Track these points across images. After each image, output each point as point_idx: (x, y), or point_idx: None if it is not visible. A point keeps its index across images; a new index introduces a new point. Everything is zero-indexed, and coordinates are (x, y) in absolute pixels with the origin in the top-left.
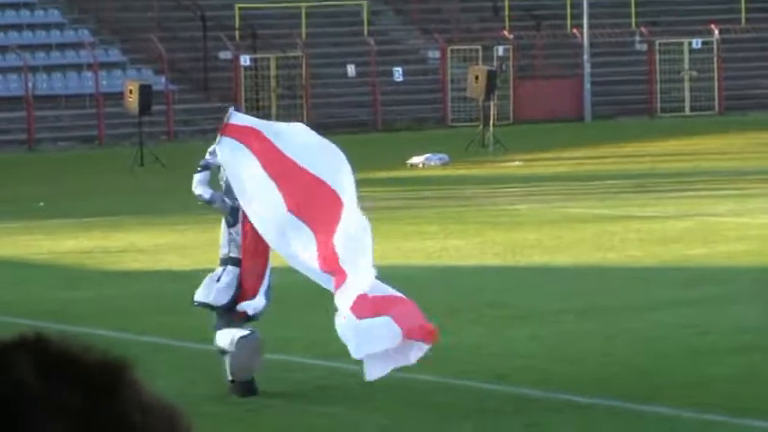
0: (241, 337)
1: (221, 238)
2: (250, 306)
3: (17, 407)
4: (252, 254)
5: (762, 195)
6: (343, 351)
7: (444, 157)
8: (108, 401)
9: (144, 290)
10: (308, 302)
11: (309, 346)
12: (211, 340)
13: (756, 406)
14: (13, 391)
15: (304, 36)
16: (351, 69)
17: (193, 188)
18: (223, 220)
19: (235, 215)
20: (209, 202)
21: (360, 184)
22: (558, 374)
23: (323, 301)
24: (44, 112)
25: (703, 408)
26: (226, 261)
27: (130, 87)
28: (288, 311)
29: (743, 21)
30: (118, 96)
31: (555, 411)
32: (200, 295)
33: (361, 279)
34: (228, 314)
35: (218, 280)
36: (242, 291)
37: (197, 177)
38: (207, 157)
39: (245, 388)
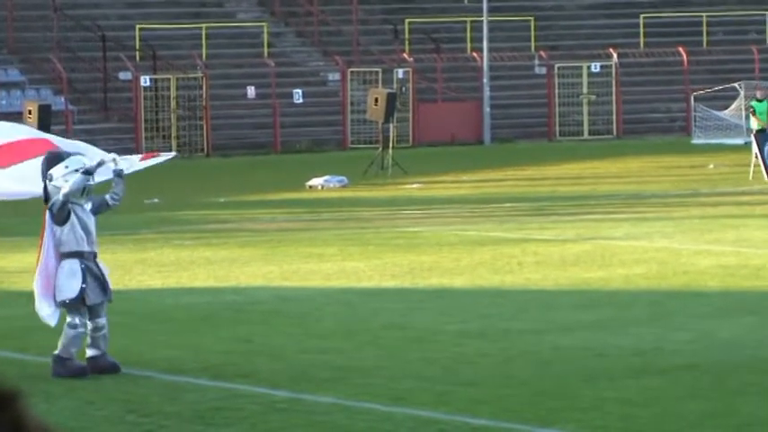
0: None
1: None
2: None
3: None
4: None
5: (659, 219)
6: (239, 373)
7: (343, 179)
8: None
9: None
10: (201, 325)
11: (204, 368)
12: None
13: (651, 429)
14: None
15: (204, 57)
16: (251, 91)
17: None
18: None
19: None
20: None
21: (258, 205)
22: (455, 397)
23: (217, 324)
24: None
25: (599, 431)
26: None
27: (30, 107)
28: (179, 333)
29: (641, 45)
30: (17, 116)
31: None
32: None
33: None
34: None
35: None
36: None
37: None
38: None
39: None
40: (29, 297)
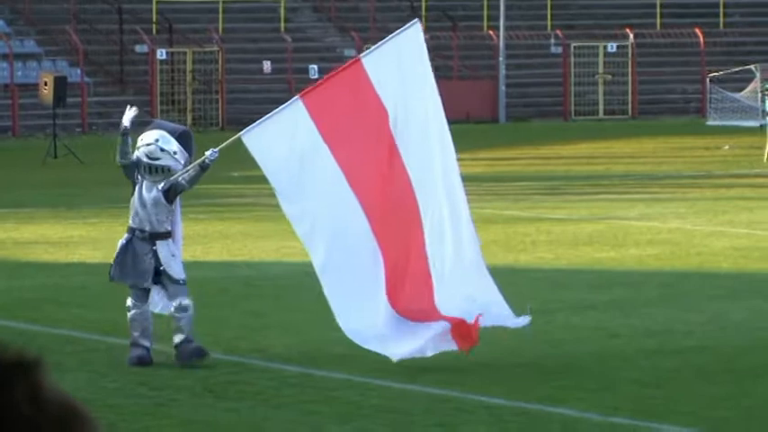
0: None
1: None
2: None
3: None
4: None
5: (673, 200)
6: (252, 347)
7: None
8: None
9: (55, 282)
10: (215, 299)
11: (216, 342)
12: (122, 334)
13: (663, 409)
14: None
15: (221, 31)
16: (267, 66)
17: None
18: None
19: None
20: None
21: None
22: (468, 375)
23: (230, 298)
24: None
25: (610, 411)
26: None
27: (45, 79)
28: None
29: (658, 26)
30: (33, 88)
31: (465, 412)
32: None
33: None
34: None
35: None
36: None
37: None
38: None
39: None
40: (40, 268)
